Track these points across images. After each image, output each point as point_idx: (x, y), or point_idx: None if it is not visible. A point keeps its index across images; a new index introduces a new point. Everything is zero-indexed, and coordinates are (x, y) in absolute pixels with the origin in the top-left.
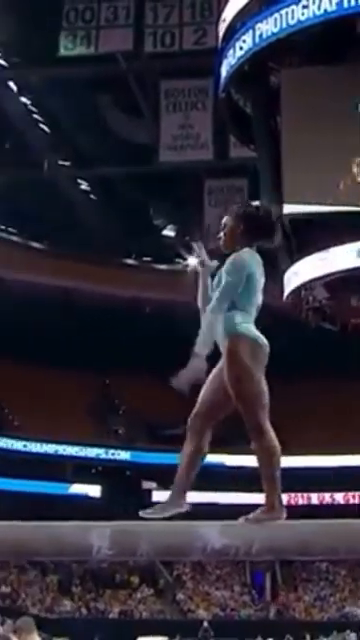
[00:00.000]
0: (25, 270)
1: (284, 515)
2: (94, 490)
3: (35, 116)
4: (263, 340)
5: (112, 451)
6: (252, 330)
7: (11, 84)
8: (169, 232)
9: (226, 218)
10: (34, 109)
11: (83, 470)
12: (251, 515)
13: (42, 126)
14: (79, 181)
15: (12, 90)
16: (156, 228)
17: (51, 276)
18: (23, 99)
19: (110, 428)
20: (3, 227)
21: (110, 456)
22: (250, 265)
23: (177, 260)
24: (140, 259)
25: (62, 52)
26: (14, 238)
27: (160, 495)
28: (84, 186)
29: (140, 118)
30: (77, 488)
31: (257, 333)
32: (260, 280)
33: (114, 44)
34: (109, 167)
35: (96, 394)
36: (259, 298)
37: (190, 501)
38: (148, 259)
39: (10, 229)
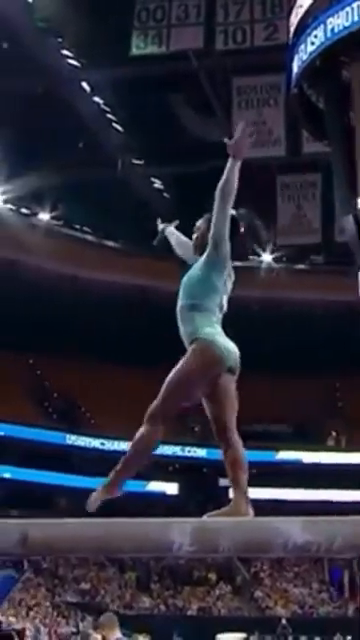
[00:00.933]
0: (100, 269)
1: (250, 513)
2: (171, 488)
3: (108, 115)
4: (225, 345)
5: (188, 448)
6: (213, 337)
7: (84, 84)
8: (242, 229)
9: (200, 222)
10: (107, 108)
11: (160, 468)
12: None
13: (115, 125)
14: (152, 179)
15: (85, 90)
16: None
17: (126, 275)
18: (96, 99)
19: (186, 426)
20: (77, 226)
21: (187, 453)
22: (225, 257)
23: (250, 257)
24: None
25: (134, 51)
26: (88, 237)
27: None
28: (157, 184)
29: (212, 116)
30: (154, 486)
31: (218, 338)
32: (226, 284)
33: (185, 42)
34: (182, 165)
35: None
36: (224, 301)
37: (267, 497)
38: None
39: (84, 228)
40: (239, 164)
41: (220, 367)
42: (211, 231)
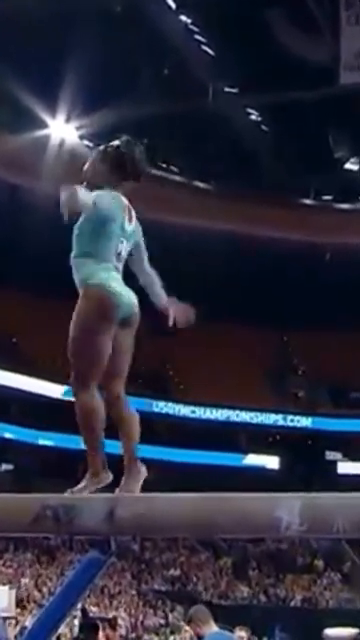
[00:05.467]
0: (190, 214)
1: (108, 479)
2: (271, 461)
3: (196, 36)
4: (119, 291)
5: (291, 417)
6: (106, 282)
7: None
8: (352, 166)
9: (95, 151)
10: (195, 28)
11: (259, 439)
12: (76, 488)
13: (205, 48)
14: (248, 110)
15: (169, 6)
16: (337, 162)
17: (219, 220)
18: (182, 17)
19: (289, 391)
20: (164, 166)
21: (289, 423)
22: (108, 208)
23: None
24: (319, 198)
25: None
26: (177, 178)
27: (347, 467)
28: (254, 116)
29: (317, 34)
30: (252, 459)
31: (112, 284)
32: (124, 228)
33: None
34: (282, 93)
35: (272, 352)
36: (121, 246)
37: None
38: (328, 198)
39: (172, 168)
40: None
41: (115, 313)
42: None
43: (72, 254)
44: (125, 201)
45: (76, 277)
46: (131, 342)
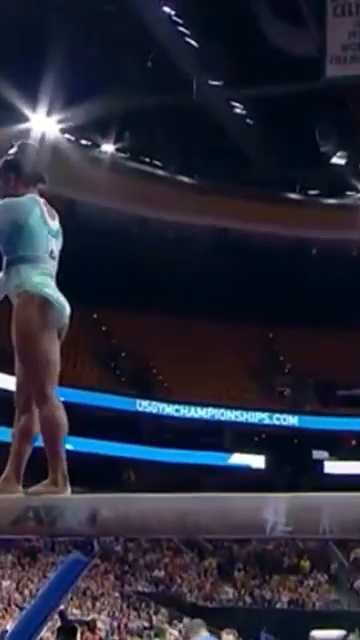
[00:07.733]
0: (172, 209)
1: (67, 492)
2: (257, 461)
3: (180, 28)
4: (56, 298)
5: (277, 416)
6: (41, 286)
7: None
8: (339, 160)
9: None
10: (179, 20)
11: (244, 438)
12: (31, 489)
13: (189, 40)
14: (233, 104)
15: None
16: (323, 156)
17: (203, 215)
18: (166, 8)
19: (275, 389)
20: (147, 160)
21: (275, 421)
22: (21, 210)
23: (349, 193)
24: (305, 193)
25: None
26: (160, 172)
27: (333, 466)
28: (239, 109)
29: (303, 26)
30: (237, 459)
31: (48, 290)
32: (48, 224)
33: None
34: (267, 86)
35: (258, 350)
36: (51, 244)
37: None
38: (314, 193)
39: (155, 162)
40: None
41: (53, 318)
42: None
43: (4, 265)
44: (40, 199)
45: (9, 284)
46: (58, 349)
